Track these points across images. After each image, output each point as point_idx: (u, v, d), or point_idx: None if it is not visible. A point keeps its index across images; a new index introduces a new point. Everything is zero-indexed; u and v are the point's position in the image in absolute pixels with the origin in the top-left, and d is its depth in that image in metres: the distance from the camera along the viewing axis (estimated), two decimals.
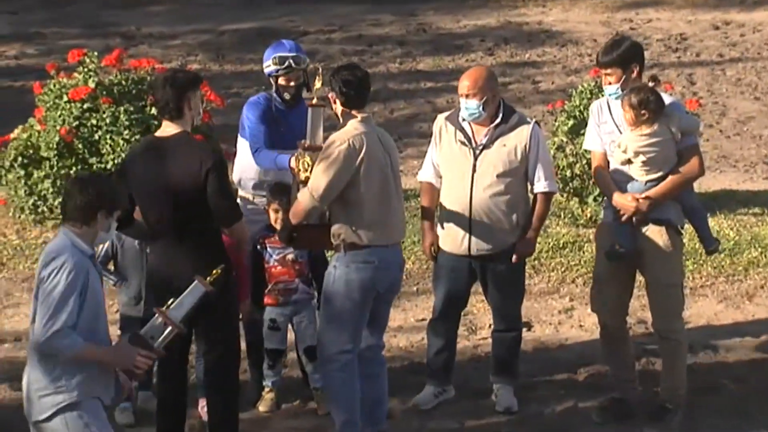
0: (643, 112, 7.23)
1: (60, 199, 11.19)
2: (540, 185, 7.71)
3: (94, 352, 5.85)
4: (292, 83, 8.06)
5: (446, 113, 7.90)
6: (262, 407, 7.86)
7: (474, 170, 7.59)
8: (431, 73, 17.77)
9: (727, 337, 9.02)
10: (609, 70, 7.46)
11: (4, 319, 9.66)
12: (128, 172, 6.94)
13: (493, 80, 7.74)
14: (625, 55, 7.46)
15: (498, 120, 7.66)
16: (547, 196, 7.78)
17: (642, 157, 7.29)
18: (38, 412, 5.83)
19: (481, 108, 7.56)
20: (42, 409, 5.81)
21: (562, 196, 11.55)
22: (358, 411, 7.14)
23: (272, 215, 7.76)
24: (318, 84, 7.41)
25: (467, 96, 7.58)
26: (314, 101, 7.43)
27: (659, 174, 7.33)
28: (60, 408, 5.78)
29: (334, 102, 7.13)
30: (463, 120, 7.67)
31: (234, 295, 7.08)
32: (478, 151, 7.62)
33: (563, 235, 10.92)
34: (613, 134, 7.49)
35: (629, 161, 7.35)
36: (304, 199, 7.02)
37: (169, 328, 6.11)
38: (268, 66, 8.09)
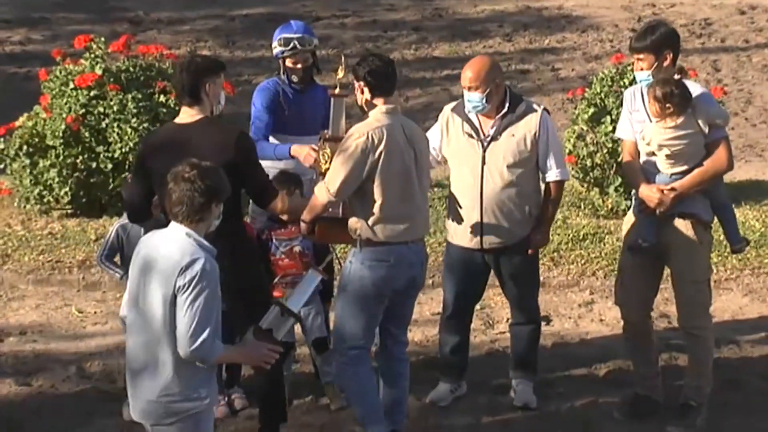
0: (667, 105, 7.20)
1: (66, 189, 11.34)
2: (552, 174, 7.69)
3: (231, 354, 6.00)
4: (299, 65, 8.05)
5: (453, 104, 7.88)
6: None
7: (483, 162, 7.57)
8: (447, 60, 17.74)
9: (753, 332, 9.01)
10: (641, 56, 7.41)
11: (9, 312, 9.68)
12: (148, 162, 6.89)
13: (496, 70, 7.68)
14: (659, 41, 7.40)
15: (505, 110, 7.63)
16: (560, 184, 7.76)
17: (666, 150, 7.25)
18: (161, 416, 5.79)
19: (484, 100, 7.54)
20: (167, 414, 5.77)
21: (583, 186, 11.55)
22: (377, 403, 7.13)
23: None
24: (341, 73, 7.39)
25: (470, 88, 7.57)
26: (336, 91, 7.42)
27: (685, 168, 7.29)
28: (187, 415, 5.77)
29: (361, 92, 7.02)
30: (470, 111, 7.66)
31: (263, 283, 7.18)
32: (486, 143, 7.60)
33: (583, 227, 10.91)
34: (645, 123, 7.45)
35: (653, 153, 7.33)
36: (320, 192, 6.98)
37: (290, 320, 6.20)
38: (275, 47, 8.10)
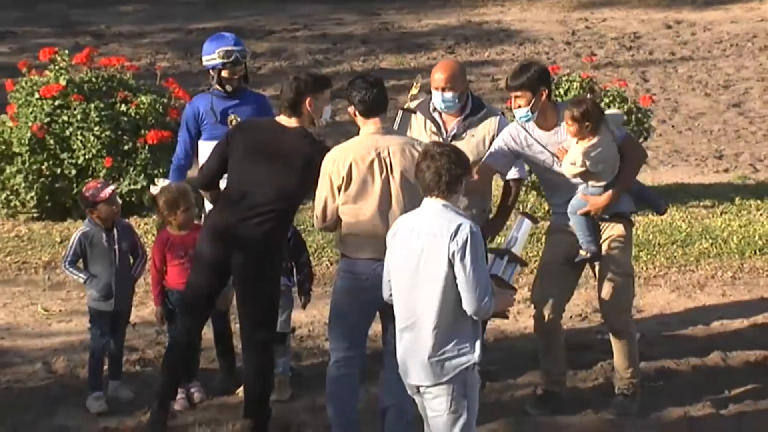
0: (587, 123, 7.24)
1: (32, 194, 11.24)
2: (512, 172, 7.76)
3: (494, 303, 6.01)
4: (235, 76, 8.01)
5: (414, 102, 7.88)
6: (241, 392, 7.76)
7: None
8: (394, 71, 17.75)
9: (680, 326, 9.06)
10: (519, 93, 7.38)
11: None
12: (237, 136, 7.14)
13: (465, 73, 7.83)
14: (534, 78, 7.39)
15: (467, 111, 7.70)
16: (518, 182, 7.90)
17: (600, 166, 7.28)
18: (438, 375, 5.96)
19: (456, 100, 7.60)
20: (443, 372, 5.95)
21: (539, 192, 11.56)
22: (348, 410, 6.94)
23: None
24: (415, 90, 7.52)
25: (444, 89, 7.59)
26: (407, 106, 7.61)
27: (611, 178, 7.35)
28: (463, 369, 5.95)
29: (354, 115, 6.94)
30: (434, 111, 7.68)
31: (278, 288, 7.22)
32: (448, 141, 7.62)
33: (536, 230, 10.91)
34: (544, 154, 7.45)
35: (583, 173, 7.34)
36: (314, 220, 7.01)
37: (517, 265, 6.43)
38: (212, 59, 8.01)
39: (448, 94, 7.60)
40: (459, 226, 5.85)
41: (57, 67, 11.68)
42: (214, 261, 7.09)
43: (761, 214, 11.37)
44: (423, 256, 5.92)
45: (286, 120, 7.06)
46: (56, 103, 11.43)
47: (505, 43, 19.52)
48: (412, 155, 6.68)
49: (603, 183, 7.34)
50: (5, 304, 9.74)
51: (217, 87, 8.05)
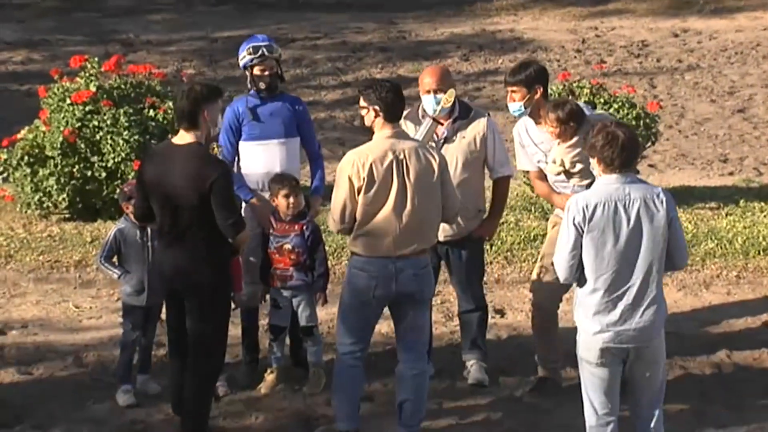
0: (572, 124, 7.27)
1: (63, 196, 11.28)
2: (500, 171, 7.82)
3: None
4: (266, 72, 7.94)
5: (404, 112, 7.90)
6: (263, 388, 7.79)
7: None
8: (411, 78, 17.73)
9: (686, 323, 9.03)
10: (515, 88, 7.51)
11: (12, 308, 9.61)
12: (143, 171, 6.98)
13: (451, 76, 7.89)
14: (531, 76, 7.50)
15: (456, 114, 7.73)
16: (506, 179, 7.91)
17: (579, 165, 7.29)
18: (651, 336, 6.21)
19: (441, 106, 7.61)
20: (656, 332, 6.24)
21: (533, 191, 11.55)
22: (352, 403, 6.95)
23: (283, 202, 7.67)
24: (449, 101, 7.61)
25: (435, 91, 7.62)
26: (434, 114, 7.64)
27: (591, 178, 7.32)
28: (661, 331, 6.27)
29: (369, 113, 6.89)
30: (423, 116, 7.68)
31: (227, 281, 7.01)
32: (440, 145, 7.62)
33: (533, 229, 10.92)
34: (537, 155, 7.55)
35: (565, 172, 7.36)
36: (329, 222, 6.95)
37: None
38: (243, 58, 7.98)
39: (440, 96, 7.64)
40: (661, 190, 6.18)
41: (87, 74, 11.71)
42: (168, 291, 7.05)
43: (765, 216, 11.33)
44: (639, 220, 6.12)
45: (183, 135, 6.86)
46: (87, 108, 11.45)
47: (518, 51, 19.50)
48: (426, 158, 6.80)
49: (586, 182, 7.27)
50: (38, 301, 9.76)
51: (253, 88, 8.04)
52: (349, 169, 6.77)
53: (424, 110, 7.72)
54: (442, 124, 7.70)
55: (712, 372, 8.05)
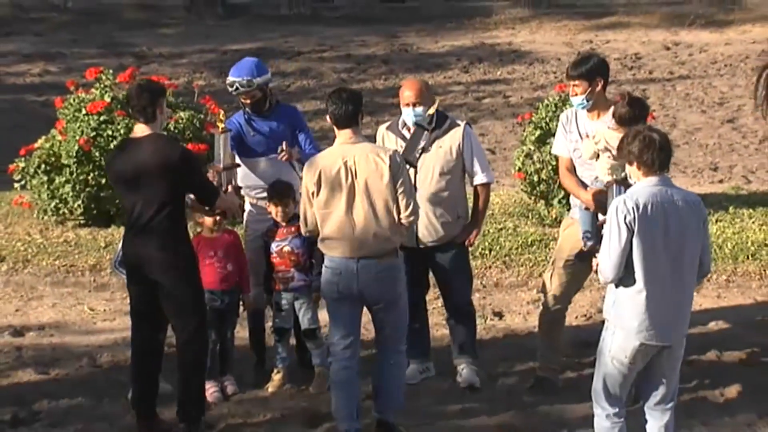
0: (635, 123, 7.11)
1: (79, 202, 11.31)
2: (479, 177, 7.77)
3: None
4: (248, 101, 7.96)
5: (386, 124, 7.93)
6: (270, 387, 7.81)
7: (416, 172, 7.61)
8: None
9: (698, 322, 9.00)
10: (576, 82, 7.40)
11: (29, 310, 9.63)
12: (111, 166, 7.16)
13: (430, 89, 7.88)
14: (592, 69, 7.41)
15: (433, 125, 7.71)
16: (486, 186, 7.83)
17: (609, 153, 7.17)
18: (684, 333, 6.25)
19: (425, 113, 7.63)
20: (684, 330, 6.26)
21: (530, 198, 11.58)
22: (351, 400, 6.98)
23: (273, 210, 7.78)
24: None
25: (415, 104, 7.64)
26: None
27: (624, 173, 7.27)
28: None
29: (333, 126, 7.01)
30: (403, 128, 7.70)
31: (193, 284, 7.05)
32: (417, 155, 7.64)
33: (531, 234, 10.93)
34: (578, 143, 7.45)
35: (597, 155, 7.25)
36: (301, 226, 7.10)
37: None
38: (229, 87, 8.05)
39: (419, 109, 7.64)
40: (700, 200, 6.32)
41: (102, 86, 11.74)
42: (141, 284, 7.01)
43: (753, 222, 11.33)
44: (685, 221, 6.16)
45: (142, 128, 6.99)
46: (101, 118, 11.47)
47: (516, 63, 19.54)
48: (375, 162, 6.80)
49: (607, 179, 7.20)
50: (54, 304, 9.78)
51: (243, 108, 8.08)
52: (306, 177, 6.91)
53: (404, 122, 7.74)
54: (429, 131, 7.68)
55: (702, 371, 8.06)
